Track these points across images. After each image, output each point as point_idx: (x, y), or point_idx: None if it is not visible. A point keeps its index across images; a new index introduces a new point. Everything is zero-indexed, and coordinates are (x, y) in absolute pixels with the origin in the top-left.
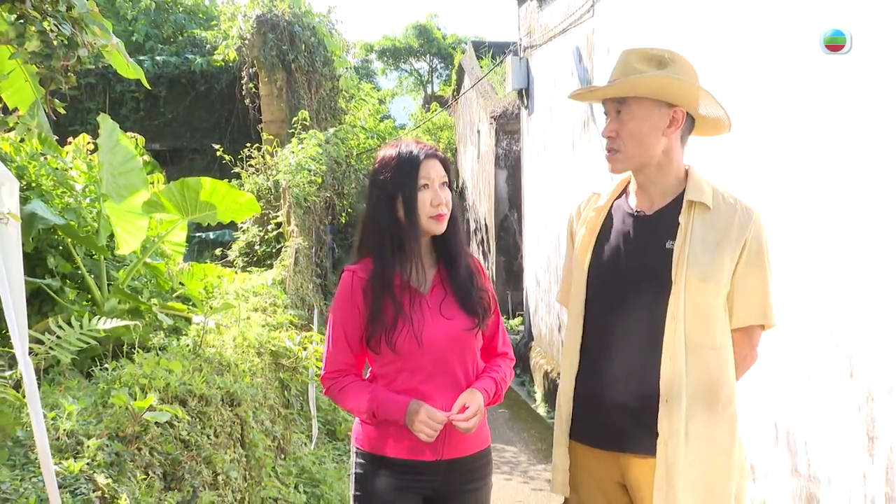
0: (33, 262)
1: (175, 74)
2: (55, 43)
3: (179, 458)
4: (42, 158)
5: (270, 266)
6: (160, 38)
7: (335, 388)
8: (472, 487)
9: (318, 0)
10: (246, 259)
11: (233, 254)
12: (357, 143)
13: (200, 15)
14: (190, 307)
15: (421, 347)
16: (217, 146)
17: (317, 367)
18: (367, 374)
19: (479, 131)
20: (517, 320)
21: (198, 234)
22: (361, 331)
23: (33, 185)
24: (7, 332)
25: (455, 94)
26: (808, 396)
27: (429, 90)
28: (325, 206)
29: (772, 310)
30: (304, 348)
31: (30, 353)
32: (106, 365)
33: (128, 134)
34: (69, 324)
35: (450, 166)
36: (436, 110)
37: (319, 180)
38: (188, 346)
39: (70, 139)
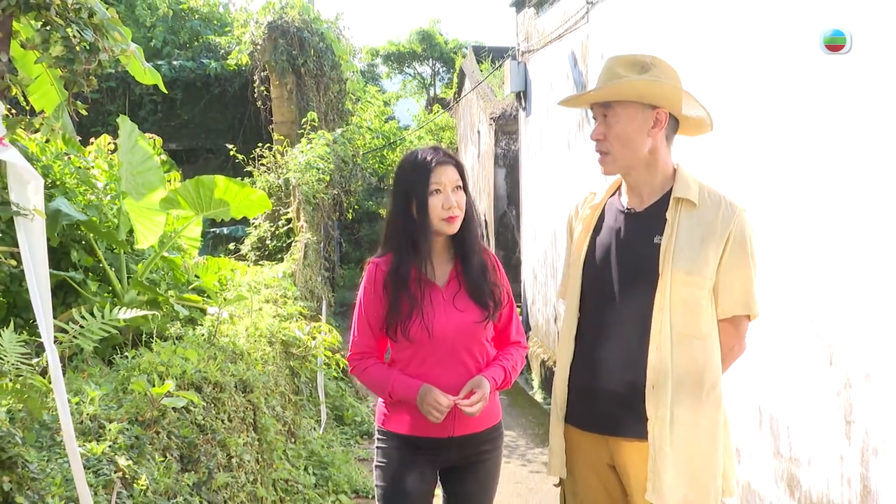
0: (58, 256)
1: (191, 78)
2: (78, 48)
3: (195, 442)
4: (66, 158)
5: (281, 260)
6: (177, 44)
7: (359, 368)
8: (482, 459)
9: (326, 7)
10: (258, 253)
11: (245, 248)
12: (363, 143)
13: (215, 22)
14: (205, 299)
15: (431, 337)
16: (230, 146)
17: (325, 356)
18: (388, 358)
19: (479, 132)
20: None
21: (212, 230)
22: (382, 319)
23: (58, 182)
24: (34, 321)
25: (456, 96)
26: (791, 383)
27: (431, 93)
28: (333, 203)
29: (755, 301)
30: (313, 338)
31: (55, 342)
32: (126, 353)
33: (146, 135)
34: (91, 314)
35: (465, 170)
36: (438, 112)
37: (327, 178)
38: (203, 335)
39: (92, 140)
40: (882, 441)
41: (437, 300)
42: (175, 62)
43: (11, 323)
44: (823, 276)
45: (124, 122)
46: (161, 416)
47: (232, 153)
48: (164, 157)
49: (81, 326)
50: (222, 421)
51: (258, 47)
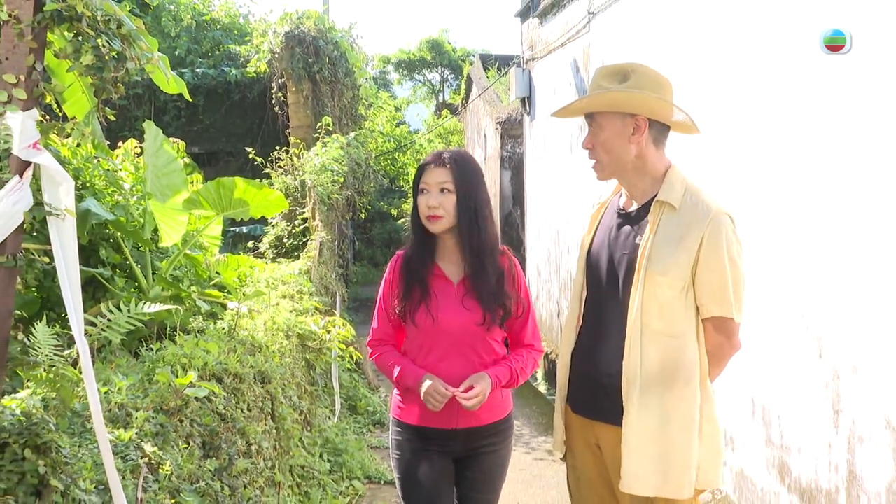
0: (87, 254)
1: (212, 85)
2: (107, 57)
3: (217, 430)
4: (95, 161)
5: (297, 257)
6: (200, 53)
7: (375, 353)
8: (488, 451)
9: (340, 17)
10: (275, 251)
11: (263, 246)
12: (375, 146)
13: (236, 32)
14: (225, 294)
15: (436, 326)
16: (249, 149)
17: (339, 348)
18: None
19: (485, 135)
20: None
21: (232, 229)
22: (397, 307)
23: (87, 184)
24: (66, 315)
25: (464, 101)
26: (782, 375)
27: (440, 98)
28: (347, 204)
29: (730, 303)
30: (328, 332)
31: (85, 335)
32: (151, 345)
33: (170, 139)
34: (119, 308)
35: (461, 172)
36: (446, 116)
37: (341, 180)
38: (224, 329)
39: (119, 144)
40: (867, 430)
41: (447, 295)
42: (198, 70)
43: (45, 317)
44: (814, 274)
45: (150, 127)
46: (184, 406)
47: (251, 156)
48: (187, 159)
49: (109, 320)
50: (242, 410)
51: (276, 56)
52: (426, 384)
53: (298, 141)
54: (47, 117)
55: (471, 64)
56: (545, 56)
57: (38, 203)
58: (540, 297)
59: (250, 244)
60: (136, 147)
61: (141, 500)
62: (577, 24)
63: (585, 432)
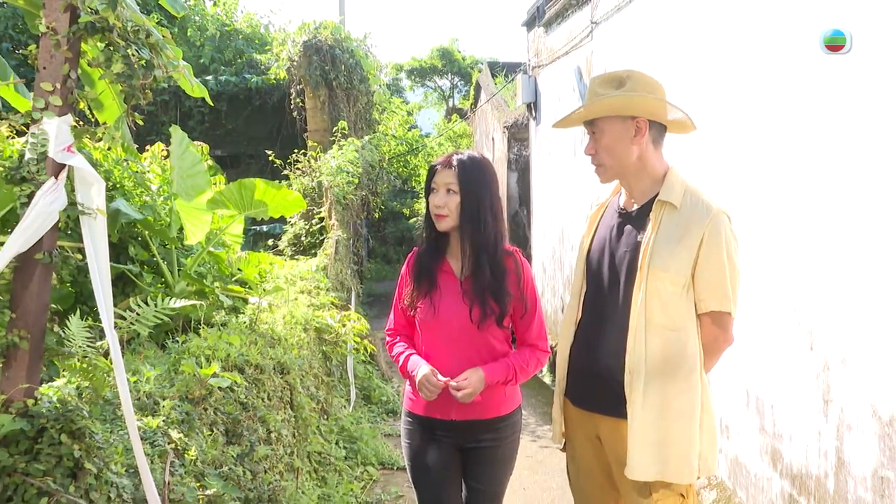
0: (117, 251)
1: (234, 91)
2: (136, 66)
3: (239, 418)
4: (124, 163)
5: (314, 255)
6: (223, 61)
7: (389, 343)
8: (492, 445)
9: (356, 27)
10: (294, 249)
11: (282, 244)
12: (388, 149)
13: (257, 41)
14: (246, 290)
15: (436, 318)
16: (269, 152)
17: (354, 341)
18: None
19: (493, 139)
20: None
21: (253, 228)
22: (406, 298)
23: (117, 185)
24: (97, 309)
25: (473, 107)
26: (775, 366)
27: (450, 104)
28: (361, 204)
29: (728, 298)
30: (343, 325)
31: (115, 327)
32: (177, 338)
33: (195, 142)
34: (146, 303)
35: (465, 174)
36: (456, 121)
37: (356, 181)
38: (245, 322)
39: (147, 147)
40: (855, 418)
41: (451, 289)
42: (221, 77)
43: (78, 310)
44: (806, 271)
45: (176, 132)
46: (208, 395)
47: (271, 158)
48: (210, 162)
49: (138, 314)
50: (262, 399)
51: (294, 63)
52: (421, 373)
53: (315, 144)
54: (81, 122)
55: (479, 71)
56: (550, 63)
57: (72, 203)
58: (545, 292)
59: (270, 242)
60: (162, 150)
61: (168, 483)
62: (581, 34)
63: (585, 424)
